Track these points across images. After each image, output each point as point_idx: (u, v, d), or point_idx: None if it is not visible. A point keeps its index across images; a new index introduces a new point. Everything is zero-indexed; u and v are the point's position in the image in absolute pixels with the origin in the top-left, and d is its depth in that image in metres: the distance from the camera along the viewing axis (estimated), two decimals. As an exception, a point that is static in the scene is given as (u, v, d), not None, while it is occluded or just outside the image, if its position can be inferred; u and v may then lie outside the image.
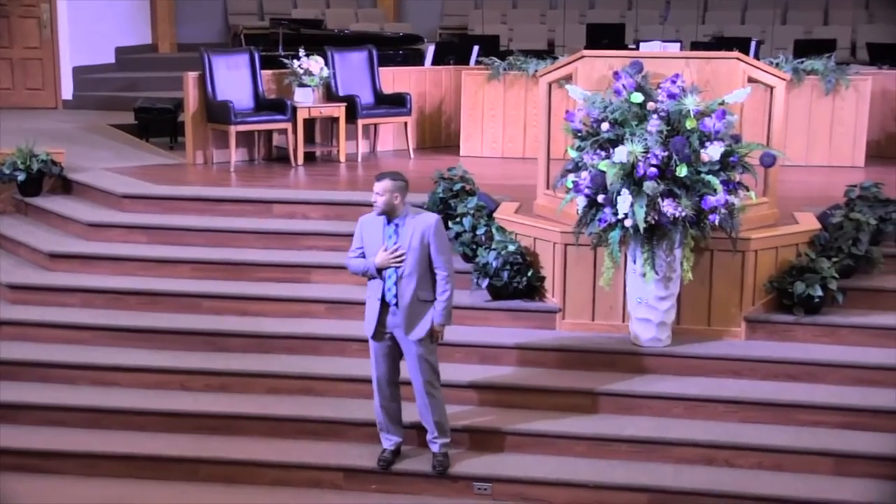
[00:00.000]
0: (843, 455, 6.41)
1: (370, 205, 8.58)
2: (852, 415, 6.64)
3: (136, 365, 7.36)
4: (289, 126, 10.10)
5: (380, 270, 6.26)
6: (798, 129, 10.16)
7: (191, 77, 10.09)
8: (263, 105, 10.21)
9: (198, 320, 7.70)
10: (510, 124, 10.70)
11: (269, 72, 10.49)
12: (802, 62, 10.28)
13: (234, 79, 10.17)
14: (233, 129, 9.85)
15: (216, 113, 9.99)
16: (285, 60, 10.46)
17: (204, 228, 8.46)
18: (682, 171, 6.51)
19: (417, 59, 11.80)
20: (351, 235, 8.19)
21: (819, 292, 7.06)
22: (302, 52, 10.32)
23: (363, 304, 7.61)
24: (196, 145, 10.18)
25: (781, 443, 6.51)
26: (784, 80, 7.58)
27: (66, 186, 9.47)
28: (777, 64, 10.02)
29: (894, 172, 9.59)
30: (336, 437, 6.85)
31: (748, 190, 6.86)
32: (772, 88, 7.49)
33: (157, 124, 11.66)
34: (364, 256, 6.34)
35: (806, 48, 11.62)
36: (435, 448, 6.51)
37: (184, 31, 16.18)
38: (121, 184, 9.11)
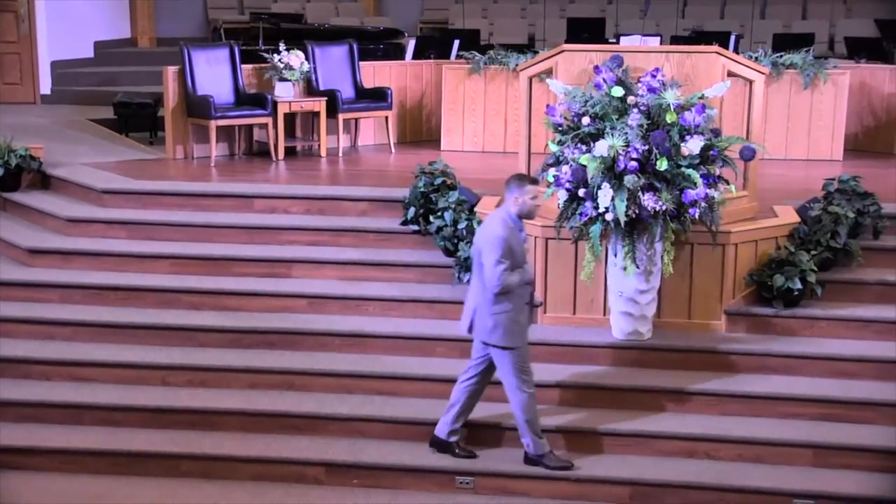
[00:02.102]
0: (822, 446, 6.45)
1: (351, 199, 8.63)
2: (831, 406, 6.69)
3: (115, 361, 7.33)
4: (269, 120, 10.08)
5: None
6: (777, 122, 10.21)
7: (170, 71, 10.04)
8: (244, 100, 10.18)
9: (178, 315, 7.67)
10: (491, 118, 10.70)
11: (250, 66, 10.46)
12: (781, 56, 10.32)
13: (214, 73, 10.13)
14: (213, 123, 9.81)
15: (196, 107, 9.95)
16: (265, 55, 10.42)
17: (184, 224, 8.43)
18: (663, 164, 6.53)
19: (398, 54, 11.78)
20: (332, 230, 8.26)
21: (798, 285, 7.10)
22: (282, 47, 10.28)
23: (343, 299, 7.68)
24: (176, 140, 10.14)
25: (761, 435, 6.54)
26: (763, 74, 7.60)
27: (44, 182, 9.42)
28: (756, 58, 10.05)
29: (872, 166, 9.66)
30: (317, 431, 6.85)
31: (728, 183, 6.89)
32: (751, 82, 7.52)
33: (137, 119, 11.61)
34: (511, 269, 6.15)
35: (784, 42, 11.66)
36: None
37: (163, 26, 16.11)
38: (100, 179, 9.06)
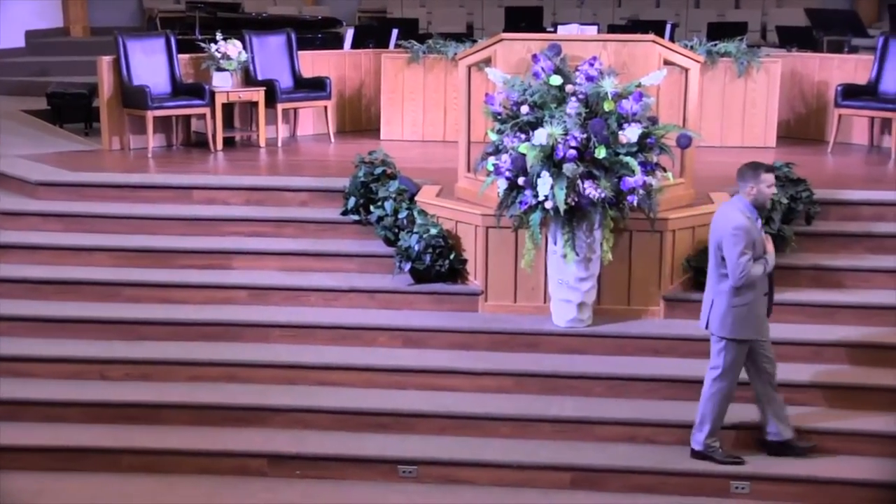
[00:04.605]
0: (758, 427, 6.53)
1: (292, 190, 8.60)
2: (768, 389, 6.80)
3: (53, 355, 7.24)
4: (207, 111, 9.99)
5: None
6: (712, 110, 10.33)
7: (105, 61, 9.91)
8: (181, 90, 10.08)
9: (117, 309, 7.60)
10: (430, 108, 10.70)
11: (187, 56, 10.35)
12: (716, 45, 10.43)
13: (150, 63, 10.01)
14: (150, 114, 9.70)
15: (132, 98, 9.83)
16: (202, 45, 10.33)
17: (122, 216, 8.34)
18: (601, 152, 6.59)
19: (336, 43, 11.74)
20: (272, 221, 8.22)
21: (735, 271, 7.20)
22: (219, 36, 10.19)
23: (285, 289, 7.65)
24: (112, 131, 10.01)
25: (700, 418, 6.64)
26: (698, 62, 7.70)
27: (-23, 175, 9.25)
28: (691, 47, 10.14)
29: (804, 152, 9.83)
30: (260, 423, 6.83)
31: (665, 171, 6.98)
32: (687, 71, 7.61)
33: (71, 110, 11.43)
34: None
35: (719, 31, 11.81)
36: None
37: (96, 15, 15.85)
38: (35, 171, 8.91)
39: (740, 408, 6.47)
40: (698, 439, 6.37)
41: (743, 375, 6.31)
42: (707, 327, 6.24)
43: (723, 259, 6.05)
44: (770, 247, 6.13)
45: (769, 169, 6.16)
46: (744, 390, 6.43)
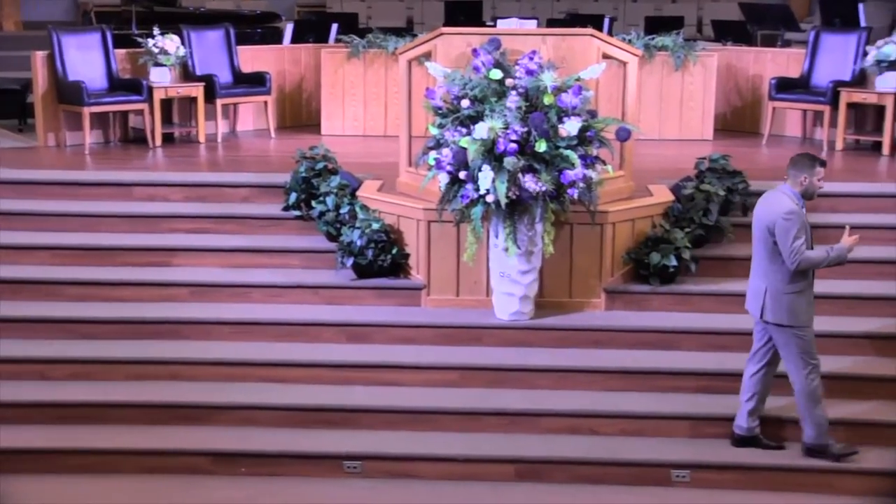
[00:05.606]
0: (699, 418, 6.67)
1: (233, 186, 8.54)
2: (708, 379, 6.92)
3: (-8, 356, 7.14)
4: (145, 107, 9.88)
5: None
6: (651, 103, 10.45)
7: (39, 56, 9.77)
8: (118, 85, 9.96)
9: (57, 307, 7.50)
10: (371, 102, 10.70)
11: (123, 51, 10.23)
12: (653, 38, 10.56)
13: (85, 58, 9.88)
14: (86, 110, 9.58)
15: (68, 93, 9.70)
16: (139, 39, 10.22)
17: (61, 213, 8.23)
18: (542, 146, 6.65)
19: (276, 38, 11.70)
20: (214, 217, 8.17)
21: (674, 262, 7.32)
22: (156, 31, 10.09)
23: (228, 286, 7.61)
24: (47, 127, 9.87)
25: (642, 409, 6.73)
26: (636, 56, 7.78)
27: None
28: (629, 40, 10.26)
29: (740, 144, 10.00)
30: (205, 421, 6.79)
31: (605, 164, 7.05)
32: (625, 64, 7.70)
33: (4, 106, 11.23)
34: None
35: (656, 25, 11.97)
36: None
37: (29, 10, 15.60)
38: (-31, 169, 8.78)
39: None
40: (809, 434, 6.32)
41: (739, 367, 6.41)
42: (762, 317, 6.20)
43: (775, 244, 6.05)
44: (848, 240, 6.13)
45: (823, 163, 6.17)
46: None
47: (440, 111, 7.00)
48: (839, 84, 9.90)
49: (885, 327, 7.18)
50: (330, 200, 7.77)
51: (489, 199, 6.68)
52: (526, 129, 6.67)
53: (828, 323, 6.90)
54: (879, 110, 9.88)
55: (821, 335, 6.39)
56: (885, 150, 9.70)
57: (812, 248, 6.11)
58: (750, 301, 6.31)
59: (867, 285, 7.43)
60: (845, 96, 9.81)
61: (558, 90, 6.78)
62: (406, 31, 12.01)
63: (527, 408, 6.76)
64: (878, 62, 9.68)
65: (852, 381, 6.86)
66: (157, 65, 10.01)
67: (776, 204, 6.07)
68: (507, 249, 6.85)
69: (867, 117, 10.22)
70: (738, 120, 10.91)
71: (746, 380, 6.43)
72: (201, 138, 10.20)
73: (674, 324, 7.25)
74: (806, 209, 6.15)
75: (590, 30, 7.60)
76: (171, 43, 10.04)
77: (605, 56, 7.48)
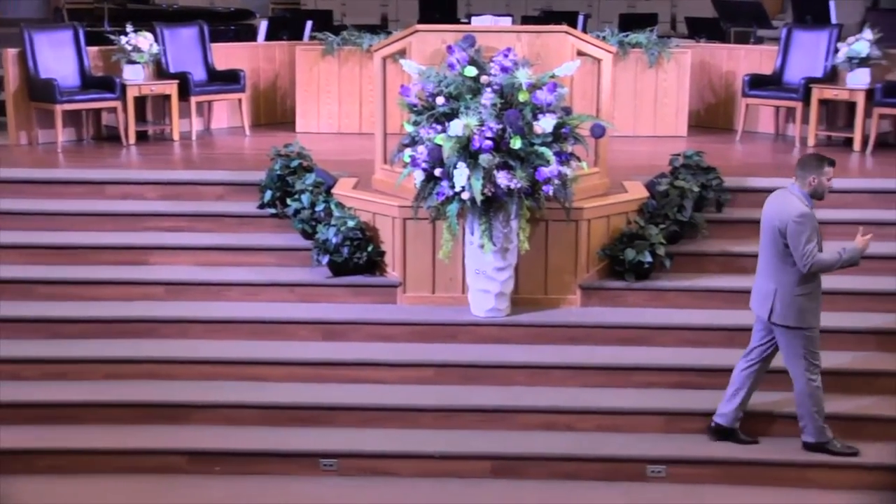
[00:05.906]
0: (675, 413, 6.70)
1: (208, 184, 8.51)
2: (683, 374, 6.95)
3: (-36, 356, 7.08)
4: (118, 104, 9.83)
5: None
6: (625, 100, 10.48)
7: (10, 54, 9.71)
8: (91, 83, 9.91)
9: (31, 307, 7.45)
10: (346, 99, 10.68)
11: (96, 48, 10.18)
12: (627, 35, 10.59)
13: (57, 56, 9.83)
14: (58, 108, 9.53)
15: (40, 91, 9.64)
16: (112, 37, 10.16)
17: (34, 212, 8.17)
18: (517, 143, 6.66)
19: (250, 35, 11.66)
20: (189, 216, 8.14)
21: (648, 258, 7.35)
22: (129, 28, 10.04)
23: (203, 285, 7.58)
24: (19, 125, 9.81)
25: (618, 405, 6.75)
26: (611, 52, 7.80)
27: None
28: (603, 37, 10.28)
29: (714, 141, 10.06)
30: (181, 420, 6.75)
31: (580, 160, 7.07)
32: (599, 61, 7.72)
33: (-25, 103, 11.16)
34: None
35: (630, 22, 12.01)
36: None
37: (0, 6, 15.48)
38: (-61, 167, 8.71)
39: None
40: (809, 434, 6.34)
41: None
42: (770, 318, 6.15)
43: (785, 246, 6.02)
44: (861, 241, 6.11)
45: (832, 163, 6.11)
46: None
47: (415, 108, 6.99)
48: (811, 81, 9.97)
49: (865, 322, 7.23)
50: (305, 198, 7.76)
51: (465, 196, 6.68)
52: (501, 126, 6.68)
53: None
54: (851, 106, 9.98)
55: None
56: (857, 145, 9.79)
57: (822, 250, 6.08)
58: (757, 301, 6.27)
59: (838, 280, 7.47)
60: (817, 93, 9.89)
61: (533, 87, 6.79)
62: (381, 28, 12.02)
63: (503, 404, 6.77)
64: (850, 59, 9.77)
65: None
66: (131, 62, 9.97)
67: (787, 205, 6.00)
68: (482, 246, 6.86)
69: (839, 113, 10.31)
70: (711, 116, 10.97)
71: (737, 374, 6.44)
72: (175, 136, 10.16)
73: (649, 320, 7.28)
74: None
75: (564, 27, 7.62)
76: (144, 40, 9.99)
77: (580, 53, 7.50)
